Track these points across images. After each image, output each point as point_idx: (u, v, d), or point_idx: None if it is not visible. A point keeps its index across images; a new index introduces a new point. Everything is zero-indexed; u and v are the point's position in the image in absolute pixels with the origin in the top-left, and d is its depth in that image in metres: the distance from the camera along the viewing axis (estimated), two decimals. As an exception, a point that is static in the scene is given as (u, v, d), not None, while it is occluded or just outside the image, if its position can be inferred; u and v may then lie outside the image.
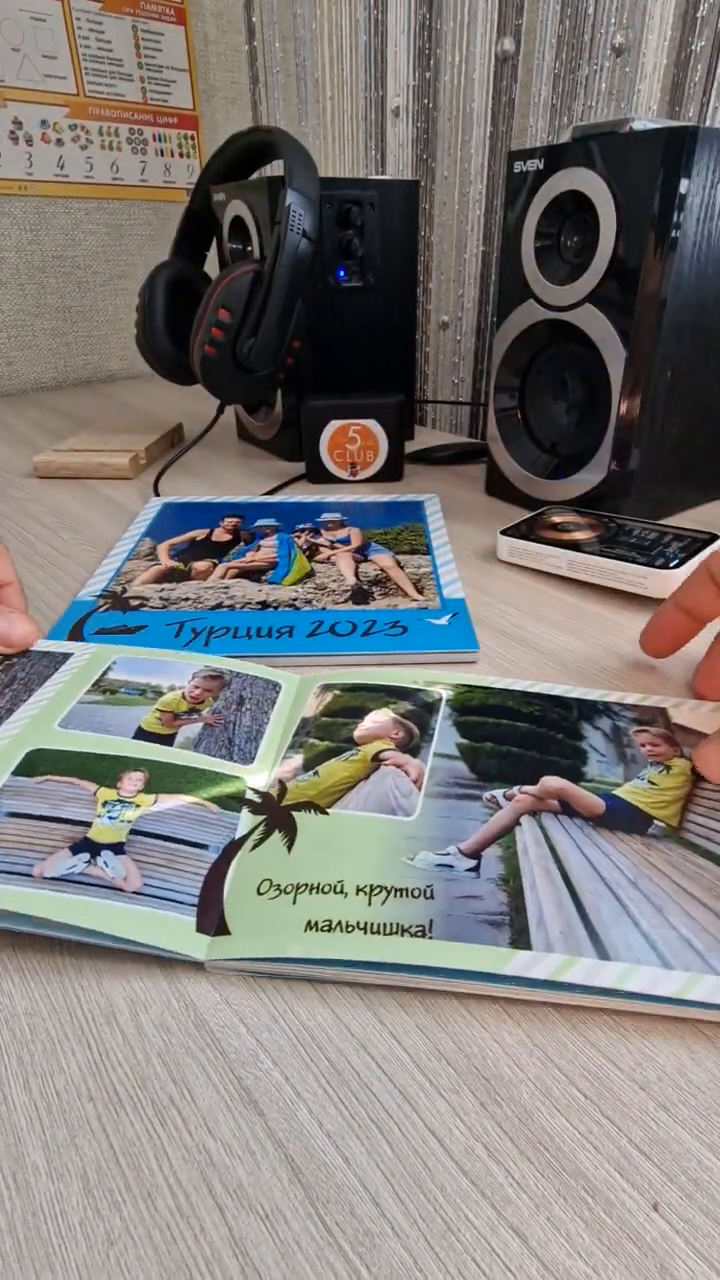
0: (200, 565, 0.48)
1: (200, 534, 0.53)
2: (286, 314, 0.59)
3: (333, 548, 0.51)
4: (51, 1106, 0.19)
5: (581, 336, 0.50)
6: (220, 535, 0.53)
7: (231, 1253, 0.16)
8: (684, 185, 0.44)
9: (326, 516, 0.56)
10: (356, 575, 0.47)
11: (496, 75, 0.75)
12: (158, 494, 0.62)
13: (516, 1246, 0.16)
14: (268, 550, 0.50)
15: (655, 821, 0.27)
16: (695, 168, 0.44)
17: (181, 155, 1.15)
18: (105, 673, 0.35)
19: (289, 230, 0.57)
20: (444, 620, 0.41)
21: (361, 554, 0.50)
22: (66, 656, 0.36)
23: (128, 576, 0.47)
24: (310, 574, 0.47)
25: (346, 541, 0.52)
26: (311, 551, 0.50)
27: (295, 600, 0.44)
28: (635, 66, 0.64)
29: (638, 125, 0.45)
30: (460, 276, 0.87)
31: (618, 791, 0.28)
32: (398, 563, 0.48)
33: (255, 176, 0.70)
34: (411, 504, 0.59)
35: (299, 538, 0.52)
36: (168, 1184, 0.18)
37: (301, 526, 0.54)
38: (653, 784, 0.28)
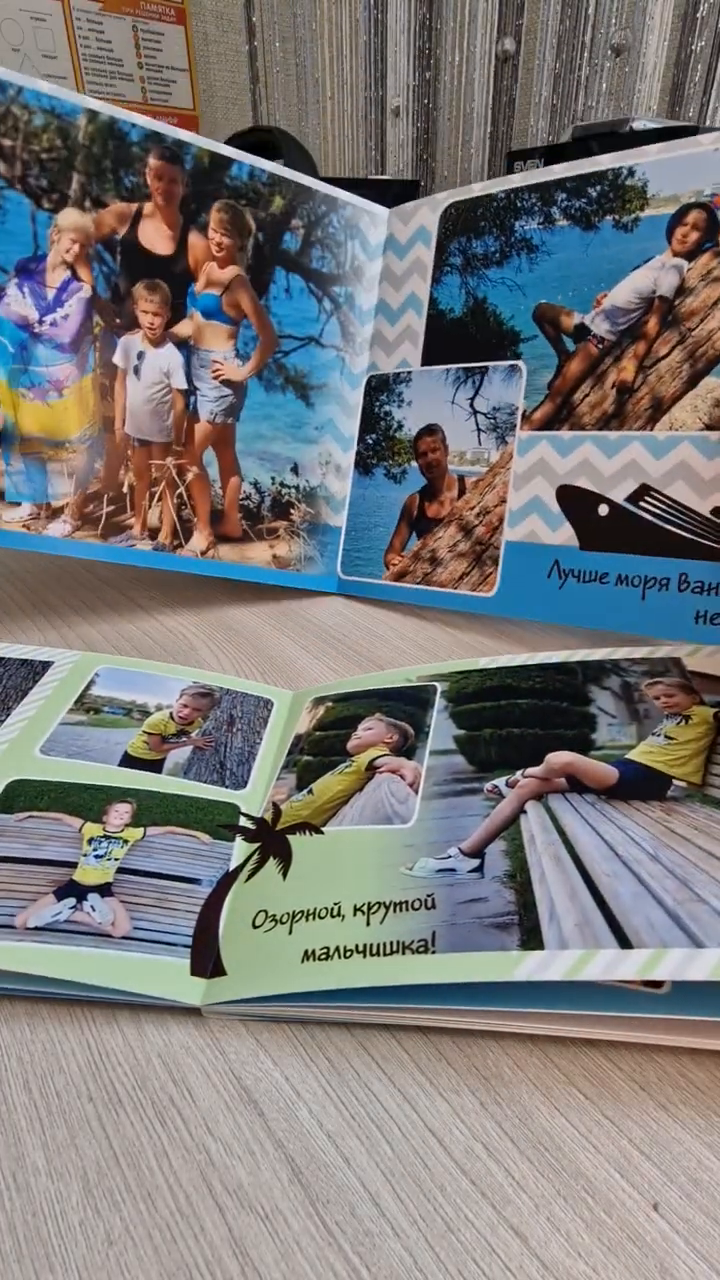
0: None
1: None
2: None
3: None
4: (51, 1106, 0.19)
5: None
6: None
7: (231, 1253, 0.16)
8: (684, 185, 0.44)
9: None
10: None
11: (496, 75, 0.75)
12: None
13: (516, 1246, 0.16)
14: None
15: (675, 781, 0.25)
16: (695, 168, 0.44)
17: (181, 155, 1.15)
18: (88, 688, 0.33)
19: (289, 230, 0.57)
20: None
21: None
22: (47, 665, 0.34)
23: None
24: None
25: None
26: None
27: None
28: (635, 66, 0.64)
29: (638, 125, 0.45)
30: (460, 276, 0.87)
31: (631, 754, 0.26)
32: None
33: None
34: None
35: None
36: (168, 1184, 0.18)
37: None
38: (670, 739, 0.26)
